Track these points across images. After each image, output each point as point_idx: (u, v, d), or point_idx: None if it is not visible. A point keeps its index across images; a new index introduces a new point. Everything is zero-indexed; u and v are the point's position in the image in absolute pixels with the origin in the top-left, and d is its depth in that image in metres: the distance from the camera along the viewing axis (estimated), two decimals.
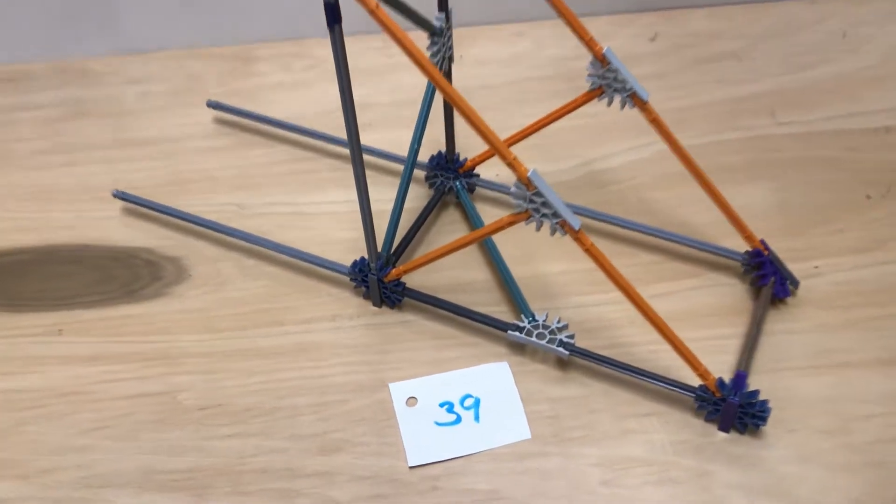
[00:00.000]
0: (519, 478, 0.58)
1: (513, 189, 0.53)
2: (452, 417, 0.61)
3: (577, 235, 0.54)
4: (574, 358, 0.63)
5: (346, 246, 0.73)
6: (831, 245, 0.72)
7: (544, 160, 0.81)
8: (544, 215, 0.54)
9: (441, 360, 0.65)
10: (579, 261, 0.70)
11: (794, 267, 0.69)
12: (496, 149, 0.51)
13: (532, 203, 0.53)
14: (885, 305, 0.67)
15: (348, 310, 0.69)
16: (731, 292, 0.69)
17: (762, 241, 0.67)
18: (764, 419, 0.57)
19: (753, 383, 0.61)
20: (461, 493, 0.57)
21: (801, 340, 0.65)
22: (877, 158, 0.79)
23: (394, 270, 0.65)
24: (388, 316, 0.68)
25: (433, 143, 0.77)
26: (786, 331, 0.66)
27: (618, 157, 0.81)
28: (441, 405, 0.62)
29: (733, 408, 0.57)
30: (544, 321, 0.64)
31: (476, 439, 0.60)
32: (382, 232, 0.66)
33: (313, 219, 0.77)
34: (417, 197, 0.77)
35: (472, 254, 0.73)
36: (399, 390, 0.63)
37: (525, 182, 0.52)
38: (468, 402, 0.62)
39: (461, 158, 0.76)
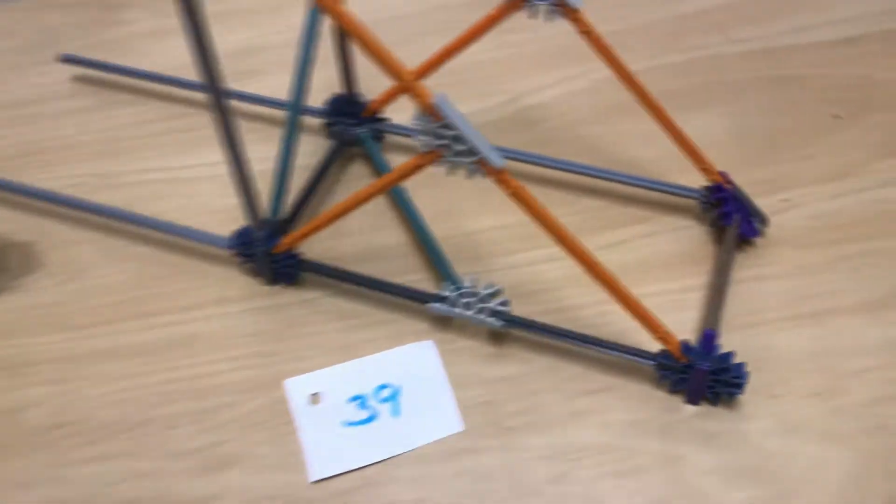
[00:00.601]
0: (451, 481, 0.47)
1: (415, 122, 0.41)
2: (365, 414, 0.50)
3: (499, 176, 0.42)
4: (509, 329, 0.52)
5: (232, 215, 0.60)
6: (800, 174, 0.62)
7: (466, 98, 0.69)
8: (457, 153, 0.42)
9: (351, 345, 0.54)
10: (510, 213, 0.59)
11: (760, 202, 0.59)
12: (389, 66, 0.39)
13: (441, 139, 0.42)
14: (868, 238, 0.57)
15: (236, 292, 0.57)
16: (690, 236, 0.58)
17: (722, 174, 0.56)
18: (740, 386, 0.47)
19: (725, 343, 0.51)
20: None
21: (775, 287, 0.55)
22: (842, 73, 0.69)
23: (284, 240, 0.53)
24: (285, 296, 0.56)
25: (332, 85, 0.64)
26: (757, 277, 0.56)
27: (550, 91, 0.69)
28: (351, 400, 0.51)
29: (703, 375, 0.47)
30: (472, 288, 0.52)
31: (396, 439, 0.49)
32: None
33: (193, 185, 0.64)
34: (316, 151, 0.65)
35: (383, 213, 0.61)
36: (298, 386, 0.51)
37: (430, 111, 0.41)
38: (385, 393, 0.51)
39: (363, 101, 0.63)
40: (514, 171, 0.63)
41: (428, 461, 0.48)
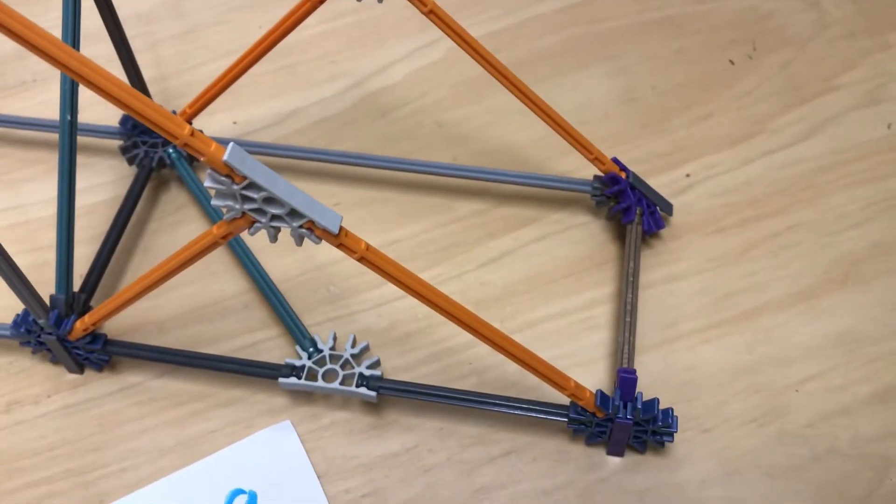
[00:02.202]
0: None
1: (208, 182, 0.29)
2: None
3: (339, 241, 0.31)
4: (386, 396, 0.42)
5: (43, 278, 0.46)
6: (700, 138, 0.53)
7: (299, 88, 0.57)
8: (275, 217, 0.30)
9: (193, 440, 0.42)
10: (375, 232, 0.49)
11: (661, 180, 0.51)
12: (137, 109, 0.27)
13: (249, 202, 0.30)
14: (785, 211, 0.49)
15: (33, 389, 0.44)
16: (586, 234, 0.49)
17: (616, 160, 0.47)
18: (671, 434, 0.39)
19: (642, 368, 0.43)
20: None
21: (691, 288, 0.47)
22: (732, 7, 0.60)
23: (78, 323, 0.41)
24: (99, 384, 0.44)
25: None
26: (669, 278, 0.47)
27: (399, 68, 0.58)
28: None
29: (626, 429, 0.38)
30: (331, 348, 0.42)
31: None
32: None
33: None
34: (116, 181, 0.52)
35: (216, 255, 0.49)
36: None
37: (223, 171, 0.29)
38: (239, 502, 0.40)
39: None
40: (370, 178, 0.52)
41: None
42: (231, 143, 0.28)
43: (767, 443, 0.41)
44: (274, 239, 0.32)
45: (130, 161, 0.51)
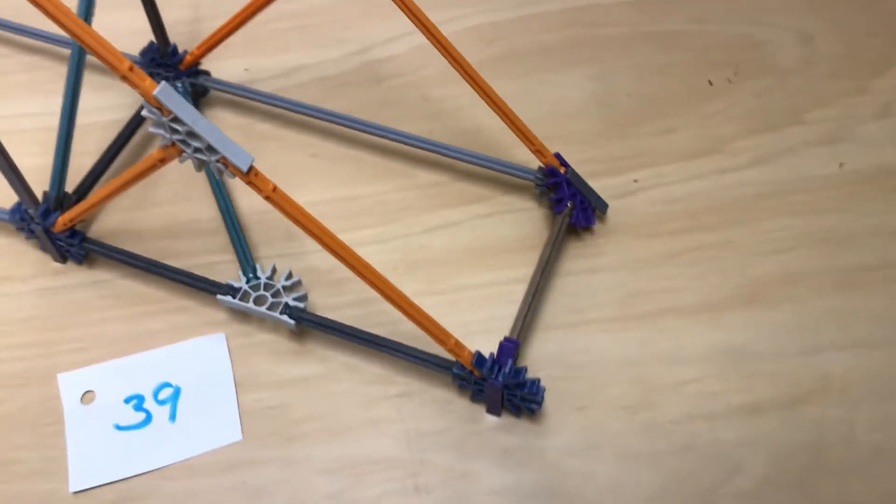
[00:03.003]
0: (222, 497, 0.43)
1: (144, 111, 0.35)
2: (140, 417, 0.46)
3: (248, 178, 0.37)
4: (304, 328, 0.47)
5: (35, 178, 0.54)
6: (658, 149, 0.56)
7: (309, 46, 0.62)
8: (197, 150, 0.36)
9: (138, 336, 0.49)
10: (343, 185, 0.54)
11: (610, 181, 0.54)
12: (85, 41, 0.33)
13: (175, 134, 0.36)
14: (719, 228, 0.53)
15: (24, 269, 0.51)
16: (529, 219, 0.53)
17: (557, 156, 0.51)
18: (537, 402, 0.43)
19: (542, 342, 0.48)
20: None
21: (607, 282, 0.50)
22: (728, 31, 0.63)
23: (61, 217, 0.48)
24: (76, 275, 0.51)
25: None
26: (589, 269, 0.51)
27: (401, 42, 0.63)
28: (127, 401, 0.46)
29: (496, 390, 0.43)
30: (268, 277, 0.48)
31: (169, 446, 0.45)
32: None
33: None
34: (126, 105, 0.58)
35: (195, 181, 0.55)
36: (71, 382, 0.47)
37: (154, 104, 0.35)
38: (165, 393, 0.47)
39: (181, 51, 0.57)
40: (349, 137, 0.57)
41: (199, 474, 0.44)
42: (162, 82, 0.34)
43: (632, 429, 0.45)
44: (199, 168, 0.37)
45: None
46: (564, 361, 0.47)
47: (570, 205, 0.50)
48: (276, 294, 0.47)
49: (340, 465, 0.44)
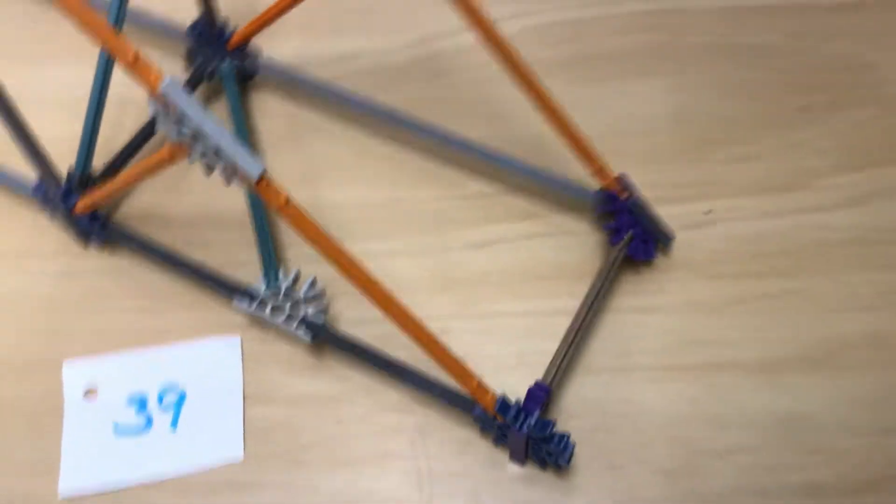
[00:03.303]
0: None
1: (150, 106, 0.32)
2: (141, 421, 0.43)
3: (259, 188, 0.33)
4: (321, 343, 0.44)
5: (69, 148, 0.51)
6: (735, 178, 0.51)
7: (368, 32, 0.58)
8: (203, 154, 0.33)
9: (154, 329, 0.46)
10: (384, 187, 0.50)
11: (678, 209, 0.49)
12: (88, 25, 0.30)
13: (181, 135, 0.32)
14: (792, 275, 0.47)
15: (46, 247, 0.49)
16: (582, 244, 0.49)
17: (621, 178, 0.46)
18: (565, 458, 0.39)
19: (580, 386, 0.43)
20: None
21: (662, 325, 0.45)
22: (830, 50, 0.56)
23: (82, 200, 0.45)
24: (96, 259, 0.49)
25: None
26: (642, 308, 0.46)
27: (467, 35, 0.57)
28: (130, 401, 0.44)
29: (520, 439, 0.39)
30: (290, 285, 0.44)
31: (167, 458, 0.42)
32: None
33: (22, 106, 0.55)
34: None
35: None
36: (76, 372, 0.44)
37: (159, 101, 0.31)
38: (170, 398, 0.44)
39: (230, 28, 0.53)
40: (398, 135, 0.53)
41: (194, 492, 0.41)
42: (168, 77, 0.30)
43: (671, 498, 0.40)
44: (207, 173, 0.34)
45: (190, 65, 0.54)
46: (603, 410, 0.43)
47: (628, 235, 0.45)
48: (294, 305, 0.43)
49: (344, 500, 0.41)
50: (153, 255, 0.46)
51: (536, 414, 0.38)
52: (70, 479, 0.41)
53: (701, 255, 0.48)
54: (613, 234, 0.46)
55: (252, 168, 0.32)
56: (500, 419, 0.39)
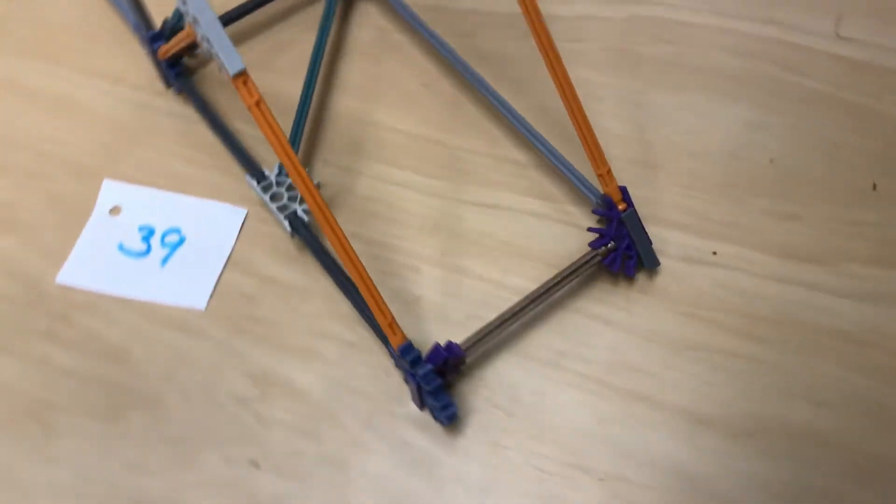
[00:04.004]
0: (160, 348, 0.46)
1: None
2: (142, 248, 0.50)
3: (236, 83, 0.37)
4: (299, 238, 0.48)
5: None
6: (763, 231, 0.49)
7: None
8: (203, 39, 0.37)
9: (185, 179, 0.52)
10: (430, 123, 0.53)
11: (688, 240, 0.49)
12: None
13: (187, 14, 0.37)
14: (764, 344, 0.45)
15: (135, 76, 0.56)
16: (580, 239, 0.49)
17: (623, 190, 0.45)
18: (444, 417, 0.41)
19: (508, 365, 0.45)
20: (88, 335, 0.47)
21: (612, 340, 0.46)
22: None
23: (163, 47, 0.51)
24: (172, 102, 0.55)
25: None
26: (602, 318, 0.46)
27: (580, 6, 0.58)
28: (141, 228, 0.50)
29: (414, 385, 0.41)
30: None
31: (145, 285, 0.48)
32: None
33: None
34: None
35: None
36: (111, 191, 0.51)
37: None
38: (171, 238, 0.50)
39: None
40: (465, 84, 0.55)
41: (154, 320, 0.47)
42: None
43: (532, 494, 0.42)
44: (208, 57, 0.38)
45: None
46: (515, 393, 0.44)
47: (609, 245, 0.45)
48: (291, 199, 0.48)
49: (262, 375, 0.45)
50: (206, 115, 0.52)
51: (430, 367, 0.41)
52: (70, 271, 0.49)
53: (684, 291, 0.47)
54: (596, 239, 0.46)
55: (232, 64, 0.36)
56: (403, 362, 0.41)
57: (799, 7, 0.57)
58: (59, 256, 0.49)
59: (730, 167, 0.51)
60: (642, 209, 0.49)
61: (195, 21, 0.36)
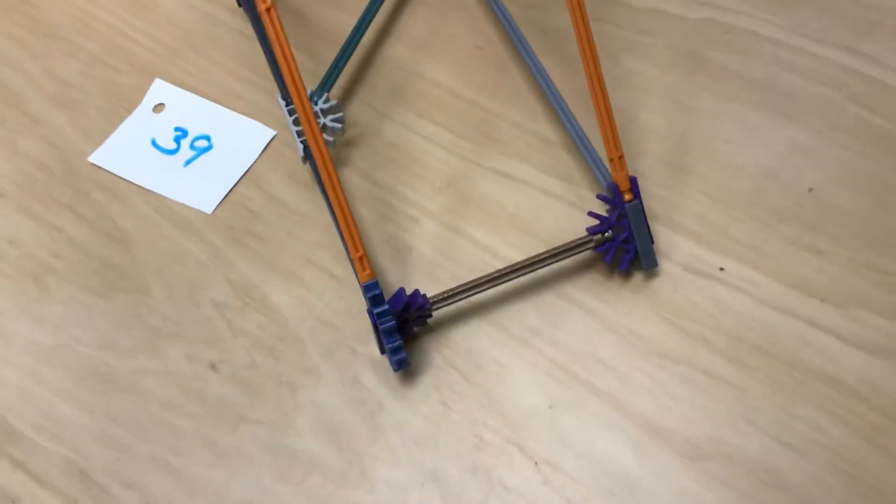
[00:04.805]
0: (160, 241, 0.48)
1: None
2: (173, 146, 0.52)
3: None
4: (306, 163, 0.49)
5: None
6: (776, 258, 0.46)
7: None
8: None
9: (230, 92, 0.54)
10: (473, 85, 0.53)
11: (697, 251, 0.47)
12: None
13: None
14: (744, 369, 0.43)
15: None
16: (586, 223, 0.48)
17: (633, 180, 0.44)
18: (393, 363, 0.41)
19: (478, 331, 0.45)
20: (101, 214, 0.49)
21: (587, 331, 0.44)
22: None
23: None
24: (240, 20, 0.57)
25: None
26: (585, 308, 0.45)
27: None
28: (176, 129, 0.52)
29: (372, 322, 0.42)
30: (323, 110, 0.49)
31: (165, 180, 0.50)
32: None
33: None
34: None
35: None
36: (160, 90, 0.54)
37: None
38: (200, 143, 0.52)
39: None
40: (514, 52, 0.54)
41: (163, 214, 0.49)
42: None
43: (461, 462, 0.41)
44: None
45: None
46: (477, 361, 0.44)
47: (606, 234, 0.44)
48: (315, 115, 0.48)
49: (246, 290, 0.47)
50: (262, 34, 0.53)
51: (385, 307, 0.41)
52: (103, 154, 0.51)
53: (677, 299, 0.45)
54: (595, 225, 0.45)
55: None
56: (367, 302, 0.42)
57: (891, 42, 0.53)
58: (97, 139, 0.52)
59: (762, 186, 0.48)
60: (660, 209, 0.48)
61: None
